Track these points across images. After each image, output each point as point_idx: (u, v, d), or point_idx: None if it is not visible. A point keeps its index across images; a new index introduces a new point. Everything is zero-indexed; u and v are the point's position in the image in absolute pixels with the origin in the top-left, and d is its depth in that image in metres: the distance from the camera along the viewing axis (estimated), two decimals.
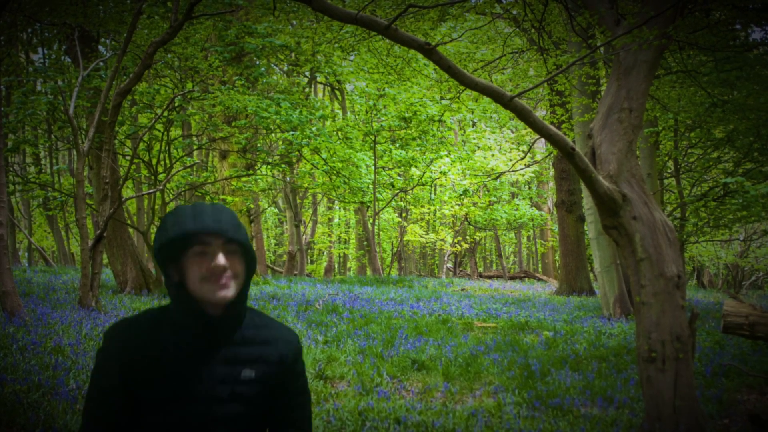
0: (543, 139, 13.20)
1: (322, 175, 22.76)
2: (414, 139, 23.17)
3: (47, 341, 6.60)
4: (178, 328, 1.88)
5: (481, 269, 36.30)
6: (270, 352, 1.96)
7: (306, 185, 24.92)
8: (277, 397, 2.00)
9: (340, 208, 35.58)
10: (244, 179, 16.91)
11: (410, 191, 28.41)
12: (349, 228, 36.43)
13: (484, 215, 28.02)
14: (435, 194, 31.26)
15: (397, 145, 23.58)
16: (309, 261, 37.59)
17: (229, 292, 1.82)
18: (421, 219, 33.98)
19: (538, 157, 25.63)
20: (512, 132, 29.22)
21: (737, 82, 9.74)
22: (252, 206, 19.72)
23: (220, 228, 1.82)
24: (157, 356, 1.85)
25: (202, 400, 1.86)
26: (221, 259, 1.81)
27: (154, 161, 13.94)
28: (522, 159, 22.60)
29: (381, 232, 33.29)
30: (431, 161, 24.70)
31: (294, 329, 8.91)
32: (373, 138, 22.57)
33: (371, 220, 24.38)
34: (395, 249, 33.25)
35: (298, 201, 28.22)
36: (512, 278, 28.18)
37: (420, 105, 21.22)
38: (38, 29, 17.12)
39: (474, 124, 29.76)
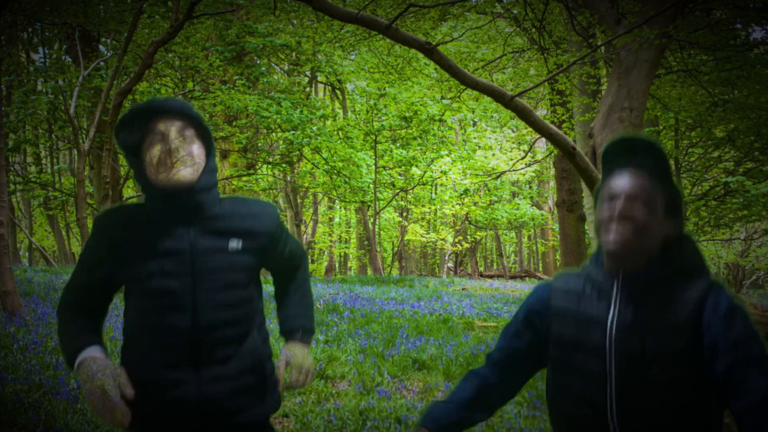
0: (544, 139, 13.20)
1: (323, 175, 22.76)
2: (415, 138, 23.16)
3: (48, 341, 6.60)
4: (157, 211, 1.95)
5: (481, 269, 36.31)
6: (253, 224, 2.02)
7: (307, 185, 24.92)
8: (269, 262, 2.16)
9: (340, 207, 35.58)
10: (244, 179, 16.92)
11: (411, 191, 28.41)
12: (349, 227, 36.43)
13: (485, 215, 28.03)
14: (436, 194, 31.25)
15: (398, 144, 23.57)
16: (310, 260, 37.61)
17: (185, 172, 1.88)
18: (422, 218, 33.98)
19: (539, 157, 25.63)
20: (513, 131, 29.22)
21: (738, 81, 9.73)
22: None
23: (172, 107, 1.90)
24: (142, 234, 1.93)
25: (189, 273, 1.90)
26: (174, 140, 1.89)
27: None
28: (523, 158, 22.59)
29: (382, 232, 33.29)
30: (432, 161, 24.69)
31: None
32: (373, 137, 22.56)
33: (372, 220, 24.37)
34: (396, 248, 33.25)
35: (299, 200, 28.23)
36: (513, 277, 28.18)
37: (421, 104, 21.21)
38: (39, 29, 17.12)
39: (475, 124, 29.75)
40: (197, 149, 1.93)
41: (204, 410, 1.93)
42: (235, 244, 1.97)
